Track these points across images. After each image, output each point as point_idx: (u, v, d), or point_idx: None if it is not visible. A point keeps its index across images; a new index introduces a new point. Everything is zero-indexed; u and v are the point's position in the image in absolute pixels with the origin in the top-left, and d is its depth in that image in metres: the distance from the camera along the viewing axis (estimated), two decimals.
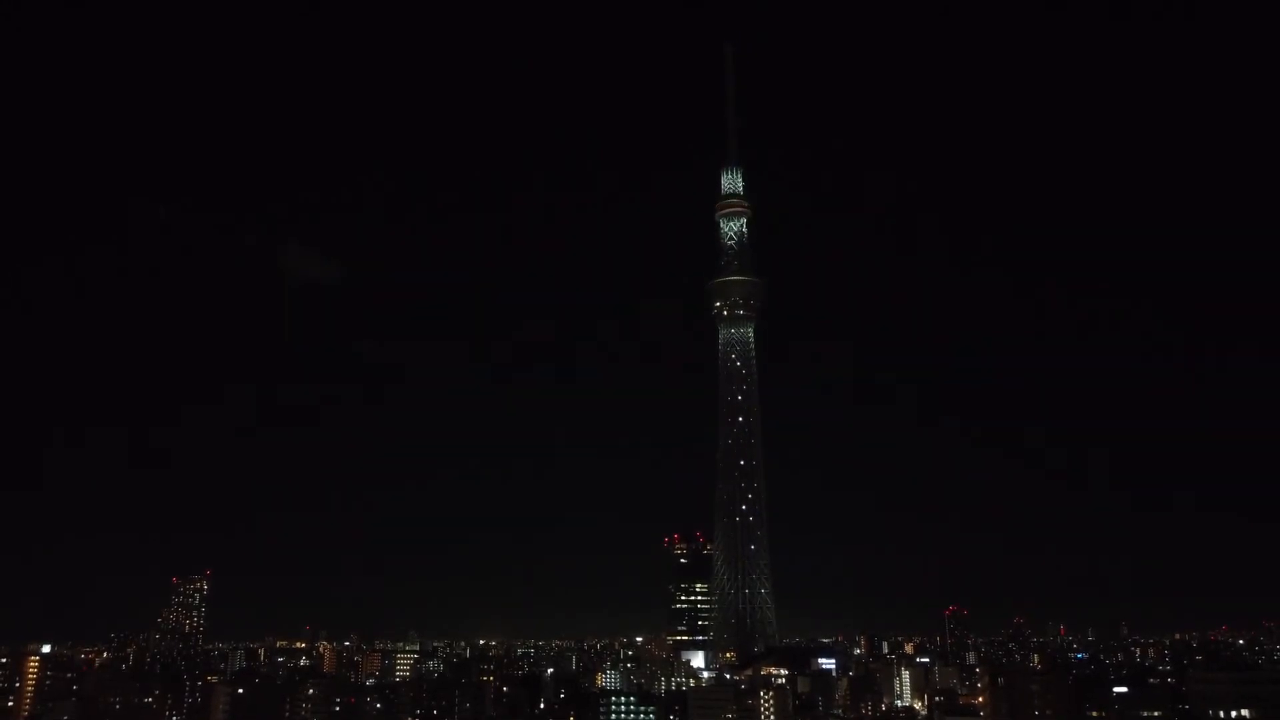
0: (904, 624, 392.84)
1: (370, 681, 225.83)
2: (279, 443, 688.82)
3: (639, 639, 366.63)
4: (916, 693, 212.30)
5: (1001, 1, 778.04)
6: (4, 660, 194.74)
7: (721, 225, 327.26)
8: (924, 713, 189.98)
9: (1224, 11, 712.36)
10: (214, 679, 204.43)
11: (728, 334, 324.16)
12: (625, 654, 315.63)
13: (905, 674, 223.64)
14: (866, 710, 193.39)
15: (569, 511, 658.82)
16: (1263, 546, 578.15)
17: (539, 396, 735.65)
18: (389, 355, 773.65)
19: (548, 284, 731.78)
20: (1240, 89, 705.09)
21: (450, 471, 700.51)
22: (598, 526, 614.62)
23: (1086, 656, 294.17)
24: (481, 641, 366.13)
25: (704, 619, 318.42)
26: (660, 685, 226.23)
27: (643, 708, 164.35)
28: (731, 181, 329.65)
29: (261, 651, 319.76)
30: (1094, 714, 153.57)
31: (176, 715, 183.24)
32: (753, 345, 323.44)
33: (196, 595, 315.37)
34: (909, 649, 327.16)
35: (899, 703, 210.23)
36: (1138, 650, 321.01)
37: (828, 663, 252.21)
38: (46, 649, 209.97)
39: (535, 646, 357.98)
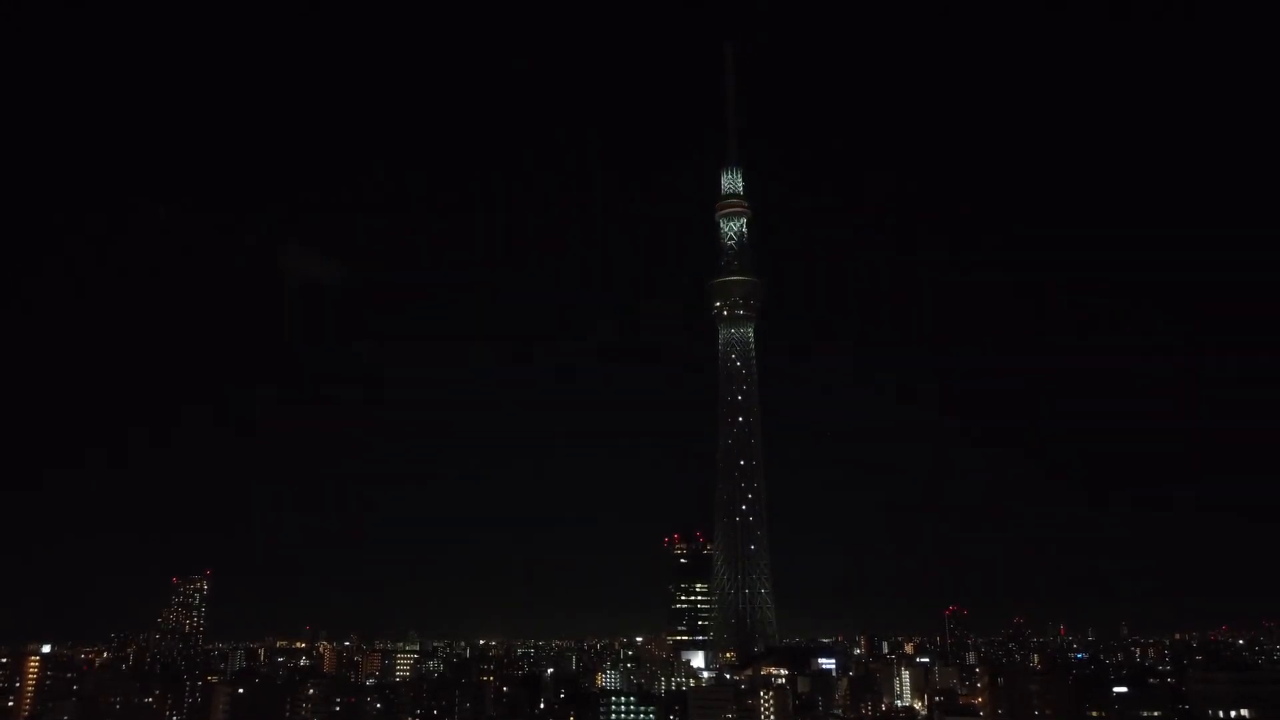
0: (904, 624, 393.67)
1: (370, 681, 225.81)
2: (279, 443, 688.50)
3: (639, 639, 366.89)
4: (916, 693, 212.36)
5: (1001, 1, 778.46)
6: (4, 660, 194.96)
7: (721, 225, 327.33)
8: (924, 713, 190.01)
9: (1224, 11, 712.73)
10: (214, 679, 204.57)
11: (728, 334, 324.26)
12: (625, 654, 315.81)
13: (905, 674, 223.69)
14: (866, 710, 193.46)
15: (569, 511, 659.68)
16: (1263, 546, 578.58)
17: (539, 396, 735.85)
18: (389, 355, 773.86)
19: (548, 284, 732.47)
20: (1240, 89, 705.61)
21: (450, 471, 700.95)
22: (598, 526, 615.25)
23: (1086, 656, 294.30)
24: (481, 641, 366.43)
25: (704, 619, 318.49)
26: (660, 685, 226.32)
27: (643, 708, 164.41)
28: (731, 181, 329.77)
29: (261, 651, 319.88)
30: (1094, 714, 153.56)
31: (176, 715, 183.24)
32: (753, 345, 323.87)
33: (196, 595, 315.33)
34: (909, 649, 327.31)
35: (899, 703, 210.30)
36: (1138, 650, 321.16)
37: (828, 663, 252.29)
38: (46, 649, 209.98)
39: (535, 646, 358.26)
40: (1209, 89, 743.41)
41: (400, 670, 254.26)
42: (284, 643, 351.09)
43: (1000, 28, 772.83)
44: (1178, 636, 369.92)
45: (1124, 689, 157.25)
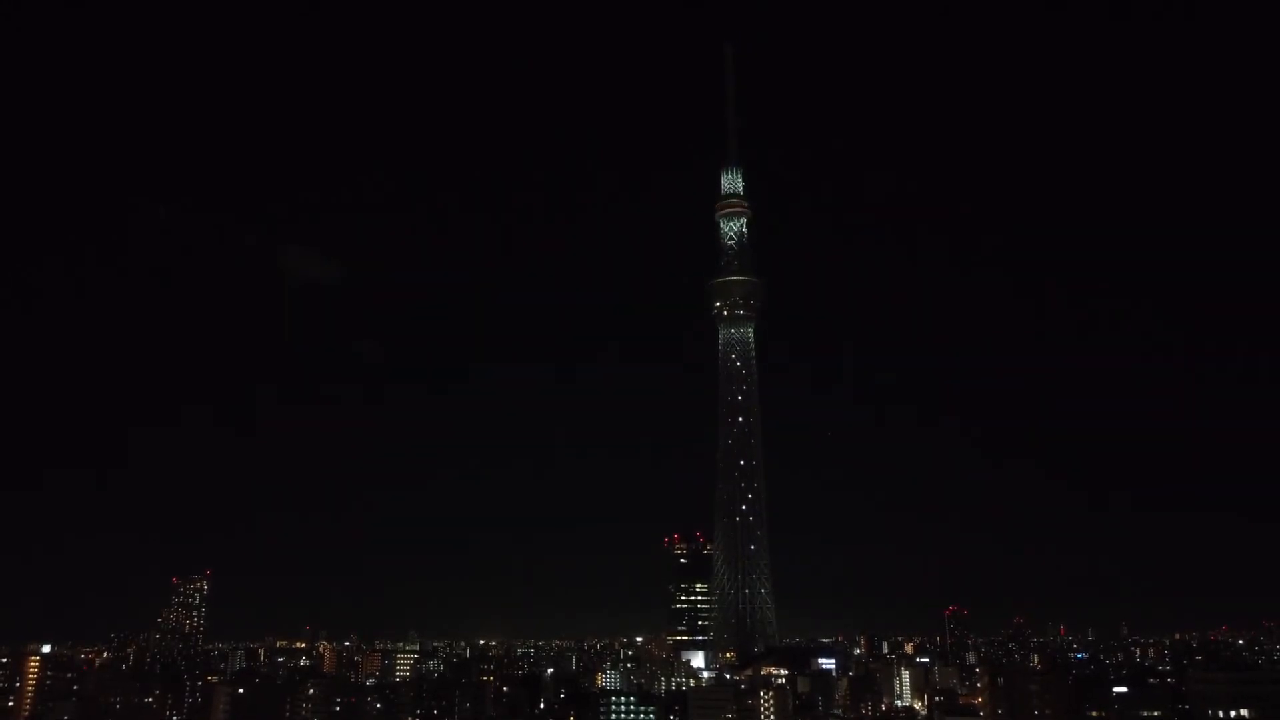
0: (904, 624, 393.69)
1: (370, 681, 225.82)
2: (279, 443, 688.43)
3: (639, 639, 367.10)
4: (916, 693, 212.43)
5: (1001, 1, 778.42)
6: (4, 660, 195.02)
7: (721, 225, 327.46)
8: (924, 713, 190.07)
9: (1224, 11, 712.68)
10: (214, 679, 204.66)
11: (728, 334, 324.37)
12: (625, 654, 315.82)
13: (905, 674, 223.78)
14: (866, 710, 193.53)
15: (569, 511, 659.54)
16: (1263, 546, 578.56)
17: (539, 396, 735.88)
18: (389, 355, 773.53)
19: (548, 284, 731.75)
20: (1240, 89, 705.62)
21: (450, 471, 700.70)
22: (597, 526, 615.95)
23: (1086, 656, 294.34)
24: (481, 641, 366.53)
25: (704, 619, 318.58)
26: (660, 685, 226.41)
27: (643, 708, 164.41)
28: (731, 181, 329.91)
29: (261, 651, 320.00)
30: (1094, 714, 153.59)
31: (177, 715, 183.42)
32: (753, 345, 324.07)
33: (196, 595, 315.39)
34: (909, 649, 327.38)
35: (899, 703, 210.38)
36: (1138, 650, 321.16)
37: (828, 663, 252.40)
38: (47, 649, 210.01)
39: (535, 646, 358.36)
40: (1209, 89, 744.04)
41: (400, 670, 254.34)
42: (284, 643, 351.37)
43: (1000, 28, 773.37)
44: (1178, 636, 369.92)
45: (1124, 689, 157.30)
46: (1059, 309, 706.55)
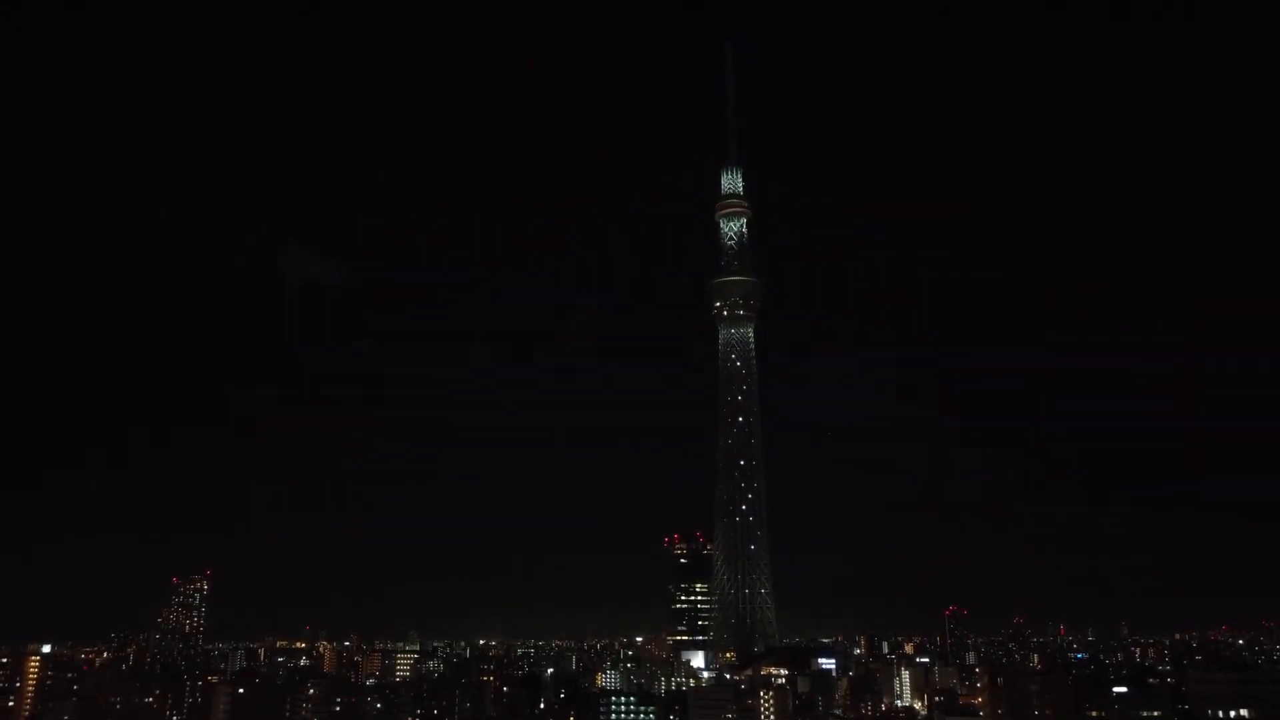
0: (904, 624, 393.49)
1: (370, 681, 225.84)
2: (279, 443, 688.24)
3: (639, 639, 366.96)
4: (916, 693, 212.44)
5: (1001, 1, 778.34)
6: (4, 660, 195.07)
7: (721, 225, 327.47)
8: (924, 713, 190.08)
9: (1224, 11, 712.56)
10: (214, 679, 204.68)
11: (728, 334, 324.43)
12: (625, 654, 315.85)
13: (905, 674, 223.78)
14: (866, 710, 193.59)
15: (569, 511, 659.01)
16: (1263, 546, 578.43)
17: (539, 396, 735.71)
18: (389, 355, 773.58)
19: (548, 284, 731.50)
20: (1240, 89, 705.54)
21: (450, 471, 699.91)
22: (598, 526, 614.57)
23: (1086, 656, 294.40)
24: (481, 641, 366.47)
25: (704, 619, 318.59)
26: (660, 685, 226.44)
27: (643, 708, 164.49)
28: (731, 181, 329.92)
29: (261, 651, 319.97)
30: (1094, 714, 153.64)
31: (177, 715, 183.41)
32: (753, 345, 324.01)
33: (196, 595, 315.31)
34: (909, 649, 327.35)
35: (899, 703, 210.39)
36: (1138, 650, 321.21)
37: (828, 663, 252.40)
38: (47, 649, 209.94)
39: (535, 646, 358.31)
40: (1209, 89, 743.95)
41: (400, 670, 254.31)
42: (284, 643, 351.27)
43: (1000, 28, 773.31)
44: (1178, 636, 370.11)
45: (1124, 689, 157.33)
46: (1059, 309, 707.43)
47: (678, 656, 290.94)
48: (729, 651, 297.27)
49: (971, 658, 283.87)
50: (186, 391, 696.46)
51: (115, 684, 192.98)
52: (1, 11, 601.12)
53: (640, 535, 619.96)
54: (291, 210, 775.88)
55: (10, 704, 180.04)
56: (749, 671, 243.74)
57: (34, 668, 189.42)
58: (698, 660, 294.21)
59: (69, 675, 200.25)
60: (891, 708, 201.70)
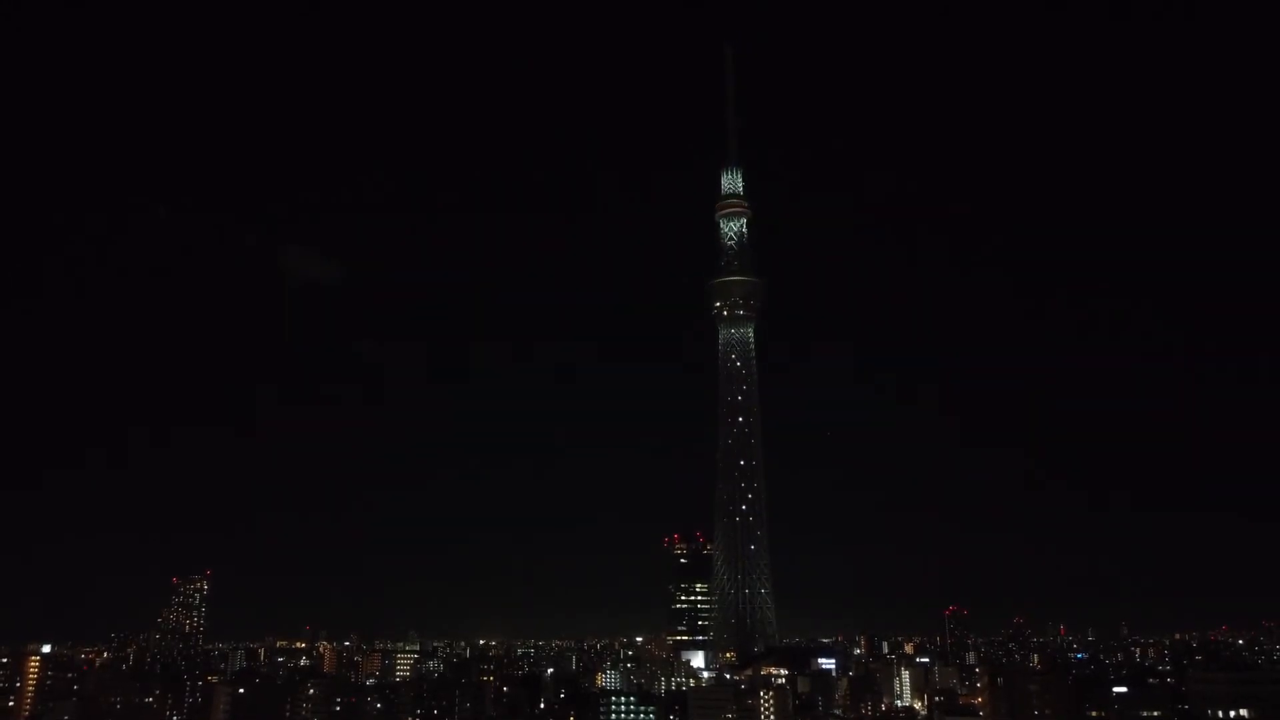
0: (904, 624, 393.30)
1: (370, 681, 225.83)
2: (279, 443, 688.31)
3: (639, 639, 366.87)
4: (916, 693, 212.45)
5: (1001, 1, 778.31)
6: (5, 660, 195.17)
7: (721, 225, 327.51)
8: (924, 713, 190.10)
9: (1224, 11, 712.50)
10: (214, 679, 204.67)
11: (728, 334, 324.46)
12: (625, 654, 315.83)
13: (905, 674, 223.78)
14: (866, 710, 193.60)
15: (569, 511, 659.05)
16: (1263, 546, 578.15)
17: (539, 396, 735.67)
18: (389, 355, 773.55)
19: (548, 284, 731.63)
20: (1240, 89, 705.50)
21: (450, 471, 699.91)
22: (598, 526, 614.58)
23: (1086, 656, 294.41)
24: (481, 641, 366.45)
25: (704, 619, 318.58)
26: (660, 685, 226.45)
27: (643, 708, 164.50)
28: (731, 181, 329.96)
29: (261, 651, 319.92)
30: (1094, 714, 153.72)
31: (177, 715, 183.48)
32: (753, 345, 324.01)
33: (196, 595, 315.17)
34: (909, 649, 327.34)
35: (899, 703, 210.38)
36: (1138, 650, 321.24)
37: (828, 663, 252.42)
38: (47, 649, 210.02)
39: (535, 646, 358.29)
40: (1209, 89, 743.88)
41: (400, 670, 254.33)
42: (284, 643, 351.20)
43: (1000, 28, 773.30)
44: (1178, 636, 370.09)
45: (1124, 689, 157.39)
46: (1059, 309, 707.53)
47: (678, 656, 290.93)
48: (729, 651, 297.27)
49: (971, 658, 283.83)
50: (186, 391, 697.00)
51: (115, 684, 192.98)
52: (1, 11, 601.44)
53: (640, 535, 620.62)
54: (291, 210, 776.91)
55: (10, 704, 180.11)
56: (749, 671, 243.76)
57: (34, 668, 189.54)
58: (698, 660, 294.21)
59: (69, 675, 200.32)
60: (891, 708, 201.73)
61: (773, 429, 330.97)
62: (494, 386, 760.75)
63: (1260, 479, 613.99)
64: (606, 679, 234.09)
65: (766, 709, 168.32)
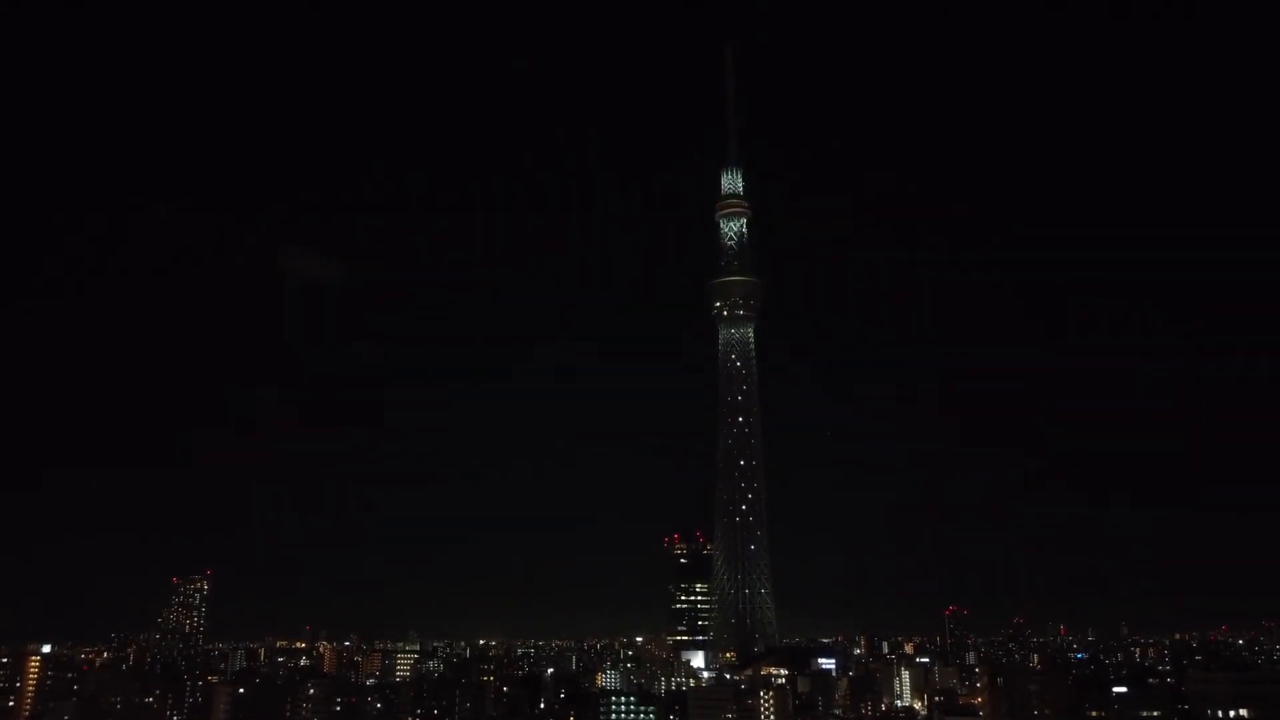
0: (904, 624, 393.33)
1: (370, 681, 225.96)
2: (279, 443, 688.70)
3: (639, 639, 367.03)
4: (916, 693, 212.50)
5: (1001, 1, 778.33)
6: (5, 660, 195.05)
7: (721, 225, 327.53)
8: (924, 713, 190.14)
9: (1224, 11, 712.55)
10: (214, 679, 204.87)
11: (728, 334, 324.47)
12: (625, 654, 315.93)
13: (905, 674, 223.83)
14: (866, 710, 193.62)
15: (569, 511, 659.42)
16: (1263, 546, 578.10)
17: (539, 396, 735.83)
18: (389, 355, 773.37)
19: (548, 284, 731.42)
20: (1240, 89, 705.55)
21: (450, 471, 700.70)
22: (598, 526, 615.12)
23: (1086, 656, 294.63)
24: (481, 641, 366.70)
25: (704, 619, 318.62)
26: (660, 685, 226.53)
27: (643, 708, 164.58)
28: (731, 182, 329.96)
29: (261, 651, 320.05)
30: (1094, 714, 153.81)
31: (177, 715, 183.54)
32: (753, 345, 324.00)
33: (196, 595, 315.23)
34: (909, 649, 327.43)
35: (899, 703, 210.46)
36: (1138, 650, 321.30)
37: (828, 663, 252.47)
38: (47, 649, 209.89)
39: (535, 646, 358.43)
40: (1209, 89, 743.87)
41: (400, 670, 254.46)
42: (284, 643, 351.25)
43: (1000, 28, 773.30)
44: (1178, 636, 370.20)
45: (1124, 689, 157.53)
46: (1059, 309, 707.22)
47: (678, 656, 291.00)
48: (729, 651, 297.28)
49: (971, 658, 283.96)
50: (186, 391, 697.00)
51: (115, 684, 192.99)
52: (1, 11, 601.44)
53: (640, 535, 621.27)
54: (291, 210, 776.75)
55: (10, 704, 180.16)
56: (749, 671, 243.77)
57: (34, 668, 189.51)
58: (698, 660, 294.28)
59: (69, 675, 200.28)
60: (891, 708, 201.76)
61: (773, 429, 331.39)
62: (494, 387, 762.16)
63: (1260, 479, 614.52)
64: (606, 679, 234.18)
65: (766, 709, 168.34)
